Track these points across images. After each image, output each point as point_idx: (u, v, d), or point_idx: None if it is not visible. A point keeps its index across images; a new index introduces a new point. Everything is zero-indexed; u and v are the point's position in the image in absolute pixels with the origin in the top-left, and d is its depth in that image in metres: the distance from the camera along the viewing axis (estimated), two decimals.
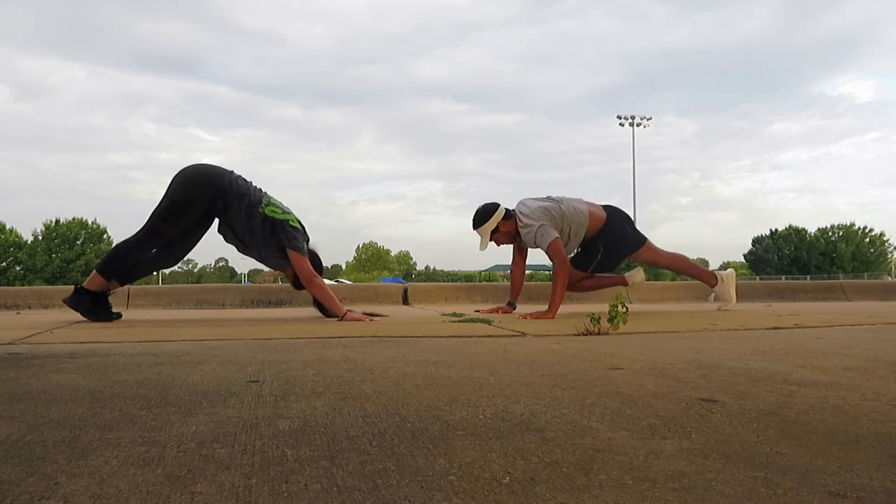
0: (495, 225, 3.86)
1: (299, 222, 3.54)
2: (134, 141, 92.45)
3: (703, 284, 4.44)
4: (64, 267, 38.73)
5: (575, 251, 4.11)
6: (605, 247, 3.99)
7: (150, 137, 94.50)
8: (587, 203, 4.04)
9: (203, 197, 3.38)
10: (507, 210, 3.91)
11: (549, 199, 4.00)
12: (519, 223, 3.86)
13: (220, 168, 3.50)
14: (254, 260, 3.73)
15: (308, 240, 3.60)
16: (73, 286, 3.47)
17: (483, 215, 3.89)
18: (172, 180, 3.45)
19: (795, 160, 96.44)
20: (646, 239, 4.19)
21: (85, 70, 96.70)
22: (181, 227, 3.41)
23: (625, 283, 4.28)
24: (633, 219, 4.36)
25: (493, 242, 3.96)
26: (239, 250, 3.68)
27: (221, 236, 3.59)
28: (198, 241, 3.56)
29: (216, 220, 3.51)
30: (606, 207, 4.12)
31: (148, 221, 3.39)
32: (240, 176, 3.51)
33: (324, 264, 3.78)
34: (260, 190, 3.51)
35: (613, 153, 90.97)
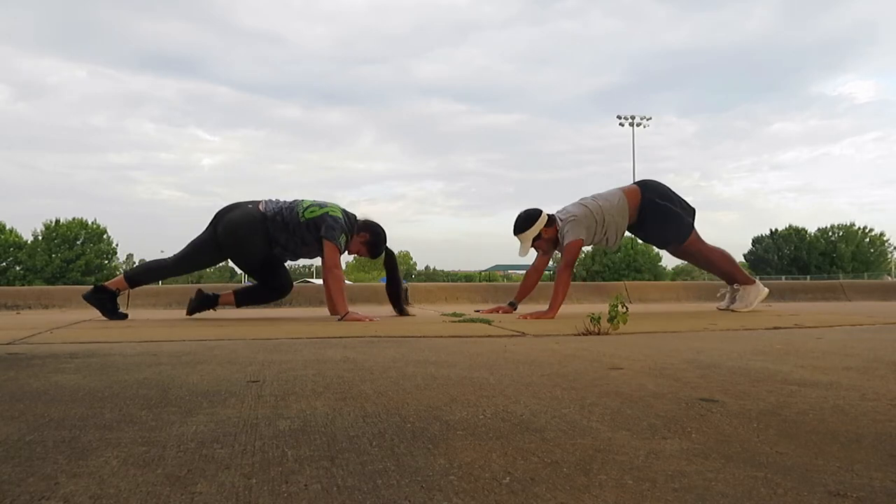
0: (538, 232, 3.83)
1: (342, 210, 3.63)
2: (134, 141, 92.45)
3: (703, 285, 4.43)
4: (64, 267, 38.70)
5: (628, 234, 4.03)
6: (668, 202, 3.88)
7: (150, 137, 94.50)
8: (619, 188, 3.99)
9: (261, 250, 3.60)
10: (549, 216, 3.88)
11: (582, 199, 3.97)
12: (557, 226, 3.85)
13: (256, 215, 3.56)
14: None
15: (355, 221, 3.67)
16: (75, 285, 3.56)
17: (526, 221, 3.85)
18: (220, 235, 3.58)
19: (795, 160, 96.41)
20: (692, 227, 4.00)
21: (85, 70, 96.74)
22: (255, 268, 3.74)
23: (750, 283, 4.09)
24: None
25: (533, 249, 3.93)
26: (307, 257, 3.84)
27: (287, 261, 3.80)
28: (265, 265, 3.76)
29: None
30: (635, 183, 4.08)
31: (190, 251, 3.64)
32: (269, 203, 3.61)
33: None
34: (292, 204, 3.60)
35: (613, 153, 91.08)
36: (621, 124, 40.90)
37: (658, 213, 3.89)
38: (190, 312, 3.72)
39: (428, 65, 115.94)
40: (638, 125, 40.57)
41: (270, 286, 3.79)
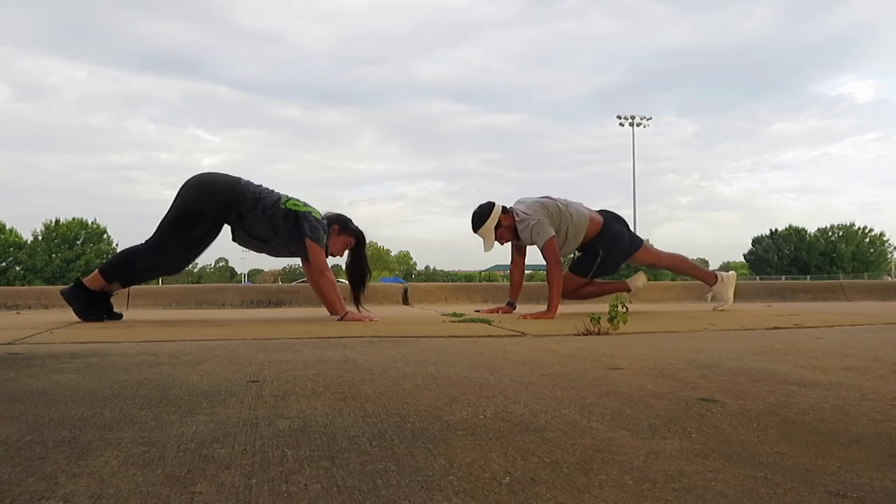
0: (496, 221, 3.84)
1: (321, 215, 3.57)
2: (134, 141, 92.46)
3: (702, 284, 4.44)
4: (64, 267, 38.71)
5: (573, 255, 4.11)
6: (603, 250, 3.96)
7: (151, 137, 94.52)
8: (586, 207, 4.04)
9: (215, 208, 3.39)
10: (503, 206, 3.90)
11: (547, 197, 3.99)
12: (516, 217, 3.85)
13: (229, 177, 3.49)
14: (283, 258, 3.79)
15: (324, 229, 3.61)
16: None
17: (482, 215, 3.87)
18: (182, 189, 3.45)
19: (795, 160, 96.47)
20: (643, 241, 4.19)
21: (85, 70, 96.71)
22: (191, 238, 3.40)
23: (627, 289, 4.21)
24: (632, 220, 4.38)
25: (497, 242, 3.93)
26: (267, 253, 3.70)
27: (238, 244, 3.61)
28: (205, 248, 3.55)
29: (226, 229, 3.52)
30: (602, 212, 4.13)
31: (157, 230, 3.39)
32: (249, 181, 3.53)
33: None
34: (273, 191, 3.54)
35: (613, 153, 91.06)
36: (621, 124, 40.93)
37: (613, 238, 4.00)
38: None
39: (428, 65, 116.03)
40: (638, 125, 40.58)
41: (154, 245, 3.33)
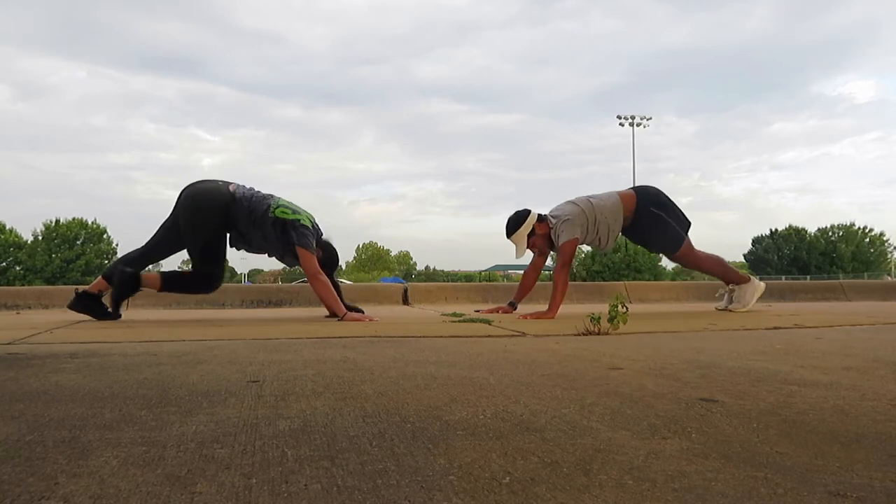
0: (530, 228, 3.83)
1: (311, 220, 3.60)
2: (134, 141, 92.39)
3: (702, 285, 4.43)
4: (64, 267, 38.70)
5: (617, 239, 4.04)
6: (663, 211, 3.89)
7: (151, 137, 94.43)
8: (616, 192, 4.01)
9: (220, 227, 3.50)
10: (539, 214, 3.89)
11: (576, 198, 3.97)
12: (550, 223, 3.85)
13: (224, 193, 3.50)
14: (274, 260, 3.89)
15: (321, 234, 3.67)
16: (75, 285, 3.51)
17: (517, 221, 3.86)
18: (180, 201, 3.50)
19: (795, 160, 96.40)
20: (685, 236, 4.02)
21: (85, 70, 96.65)
22: (221, 256, 3.58)
23: (745, 281, 4.11)
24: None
25: (529, 250, 3.92)
26: (267, 254, 3.77)
27: (236, 249, 3.68)
28: (223, 259, 3.66)
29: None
30: (632, 188, 4.10)
31: (158, 236, 3.54)
32: (240, 188, 3.55)
33: (339, 257, 3.87)
34: (266, 196, 3.55)
35: (613, 153, 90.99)
36: (621, 124, 40.91)
37: (651, 221, 3.91)
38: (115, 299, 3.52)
39: (428, 65, 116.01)
40: (638, 125, 40.58)
41: (203, 274, 3.56)
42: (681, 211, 4.05)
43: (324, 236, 3.70)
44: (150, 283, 3.52)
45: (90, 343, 2.21)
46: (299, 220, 3.49)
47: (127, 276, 3.46)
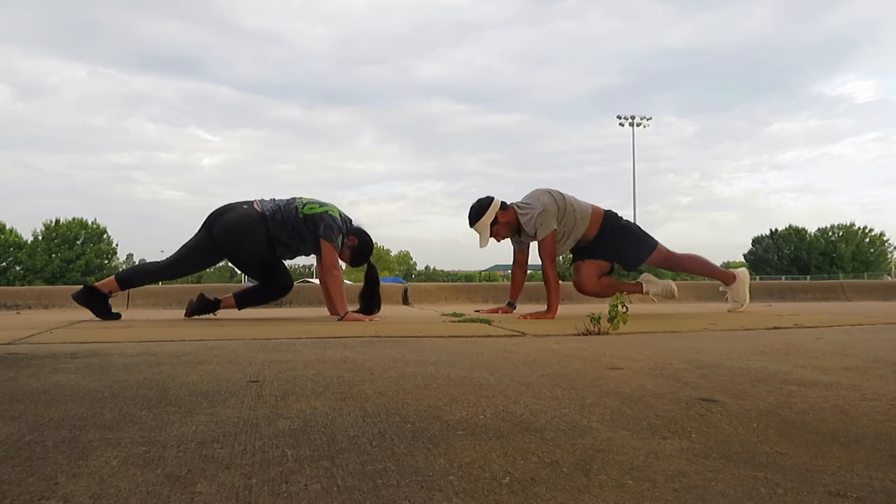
0: (493, 217, 3.74)
1: (338, 211, 3.61)
2: (134, 141, 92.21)
3: (702, 285, 4.44)
4: (64, 267, 38.72)
5: (571, 252, 4.06)
6: (621, 234, 3.92)
7: (151, 137, 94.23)
8: (590, 204, 4.00)
9: (263, 253, 3.57)
10: (503, 202, 3.82)
11: (550, 189, 3.93)
12: (518, 210, 3.78)
13: (254, 216, 3.52)
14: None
15: (350, 222, 3.67)
16: (75, 285, 3.52)
17: (479, 210, 3.78)
18: (216, 236, 3.53)
19: (795, 160, 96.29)
20: (657, 242, 4.08)
21: (85, 70, 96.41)
22: (278, 264, 3.69)
23: (730, 279, 4.15)
24: (632, 220, 4.33)
25: (493, 239, 3.84)
26: (304, 254, 3.81)
27: (289, 259, 3.78)
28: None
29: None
30: (603, 210, 4.09)
31: (184, 255, 3.58)
32: (264, 202, 3.59)
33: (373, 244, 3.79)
34: (289, 201, 3.58)
35: (613, 153, 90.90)
36: (621, 124, 40.96)
37: (618, 234, 3.94)
38: (189, 314, 3.68)
39: (428, 65, 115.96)
40: (638, 125, 40.61)
41: (271, 286, 3.74)
42: (647, 234, 4.12)
43: (354, 223, 3.70)
44: (227, 303, 3.72)
45: (90, 343, 2.21)
46: (327, 212, 3.52)
47: (209, 303, 3.66)
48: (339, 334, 2.48)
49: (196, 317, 3.67)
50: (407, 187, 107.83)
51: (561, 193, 3.85)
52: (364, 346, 2.07)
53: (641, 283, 4.12)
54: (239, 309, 3.81)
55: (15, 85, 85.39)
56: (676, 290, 4.15)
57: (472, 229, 3.83)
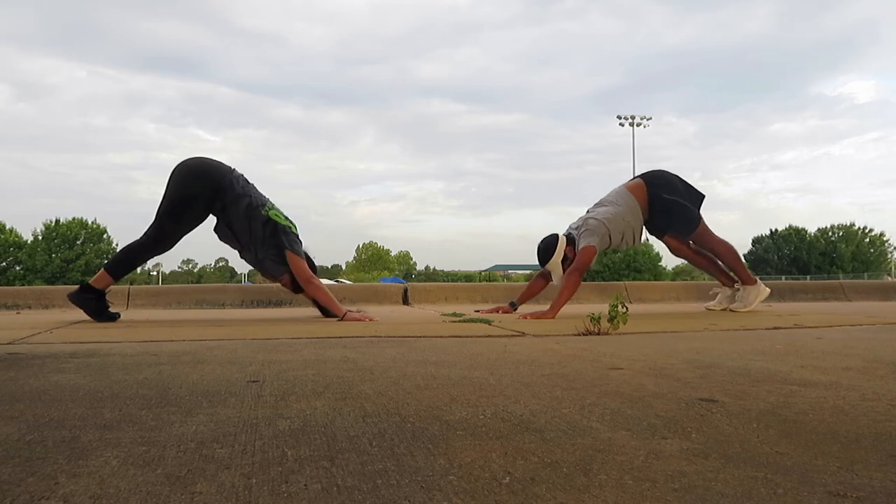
0: (562, 254, 3.86)
1: (296, 231, 3.59)
2: (134, 141, 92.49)
3: (703, 284, 4.43)
4: (64, 267, 38.68)
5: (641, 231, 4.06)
6: (675, 195, 3.92)
7: (151, 137, 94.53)
8: (623, 187, 4.02)
9: (203, 193, 3.40)
10: (566, 237, 3.92)
11: (591, 212, 3.99)
12: (578, 235, 3.89)
13: (220, 165, 3.50)
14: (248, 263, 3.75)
15: (301, 244, 3.64)
16: (75, 285, 3.47)
17: (547, 251, 3.88)
18: (174, 174, 3.46)
19: (795, 160, 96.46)
20: (700, 215, 4.03)
21: (85, 70, 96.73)
22: (189, 224, 3.44)
23: (752, 282, 4.12)
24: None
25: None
26: (237, 250, 3.68)
27: (217, 235, 3.60)
28: (193, 229, 3.51)
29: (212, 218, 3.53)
30: (639, 176, 4.09)
31: (155, 221, 3.42)
32: (242, 175, 3.52)
33: (318, 265, 3.81)
34: (262, 195, 3.54)
35: (613, 153, 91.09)
36: (621, 124, 41.00)
37: (664, 206, 3.93)
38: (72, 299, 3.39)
39: (428, 65, 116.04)
40: (638, 125, 40.64)
41: (155, 238, 3.38)
42: (691, 186, 4.07)
43: (303, 247, 3.63)
44: (105, 283, 3.37)
45: (90, 343, 2.21)
46: (290, 228, 3.49)
47: (91, 301, 3.36)
48: (339, 334, 2.48)
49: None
50: (407, 187, 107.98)
51: (607, 212, 3.89)
52: (364, 346, 2.07)
53: (735, 282, 4.16)
54: (115, 281, 3.48)
55: (15, 85, 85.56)
56: (765, 289, 4.14)
57: (545, 269, 3.96)
